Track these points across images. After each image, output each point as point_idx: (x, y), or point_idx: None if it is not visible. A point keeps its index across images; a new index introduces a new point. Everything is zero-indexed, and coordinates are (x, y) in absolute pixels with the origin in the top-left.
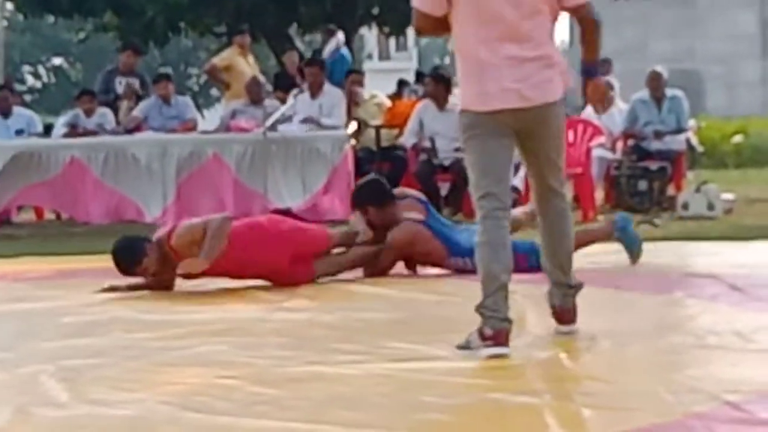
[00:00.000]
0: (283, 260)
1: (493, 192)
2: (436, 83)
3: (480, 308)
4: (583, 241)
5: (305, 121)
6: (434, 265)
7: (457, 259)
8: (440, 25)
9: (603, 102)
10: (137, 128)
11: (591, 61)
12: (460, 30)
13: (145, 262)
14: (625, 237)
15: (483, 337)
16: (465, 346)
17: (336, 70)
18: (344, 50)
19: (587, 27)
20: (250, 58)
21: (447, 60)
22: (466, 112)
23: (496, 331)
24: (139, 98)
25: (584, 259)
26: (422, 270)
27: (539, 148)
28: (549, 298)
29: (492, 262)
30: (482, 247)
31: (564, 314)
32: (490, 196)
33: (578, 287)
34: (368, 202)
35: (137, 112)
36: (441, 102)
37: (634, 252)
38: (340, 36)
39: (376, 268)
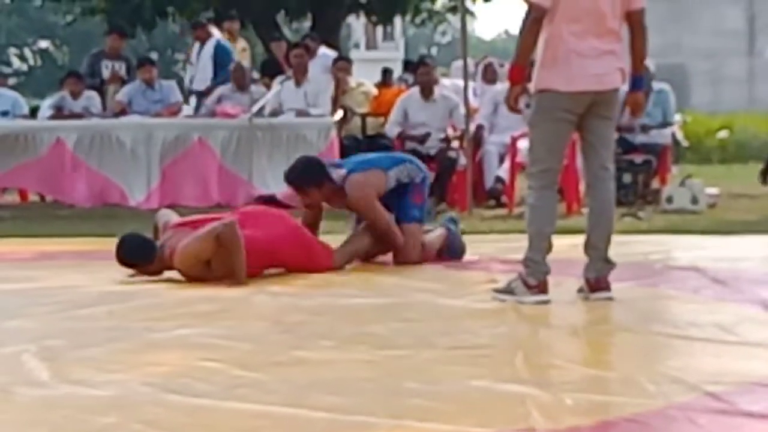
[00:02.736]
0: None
1: (554, 168)
2: (432, 71)
3: (527, 261)
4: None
5: (298, 115)
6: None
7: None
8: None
9: (640, 114)
10: (122, 112)
11: (640, 72)
12: (555, 22)
13: (149, 268)
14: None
15: (528, 286)
16: (507, 290)
17: (225, 63)
18: (223, 42)
19: (641, 33)
20: (240, 44)
21: (434, 50)
22: (548, 92)
23: (540, 281)
24: (123, 83)
25: (573, 251)
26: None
27: (602, 128)
28: (585, 272)
29: (546, 225)
30: (538, 211)
31: (601, 282)
32: (552, 171)
33: (613, 263)
34: (312, 183)
35: (120, 96)
36: (428, 92)
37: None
38: (217, 32)
39: (389, 246)
